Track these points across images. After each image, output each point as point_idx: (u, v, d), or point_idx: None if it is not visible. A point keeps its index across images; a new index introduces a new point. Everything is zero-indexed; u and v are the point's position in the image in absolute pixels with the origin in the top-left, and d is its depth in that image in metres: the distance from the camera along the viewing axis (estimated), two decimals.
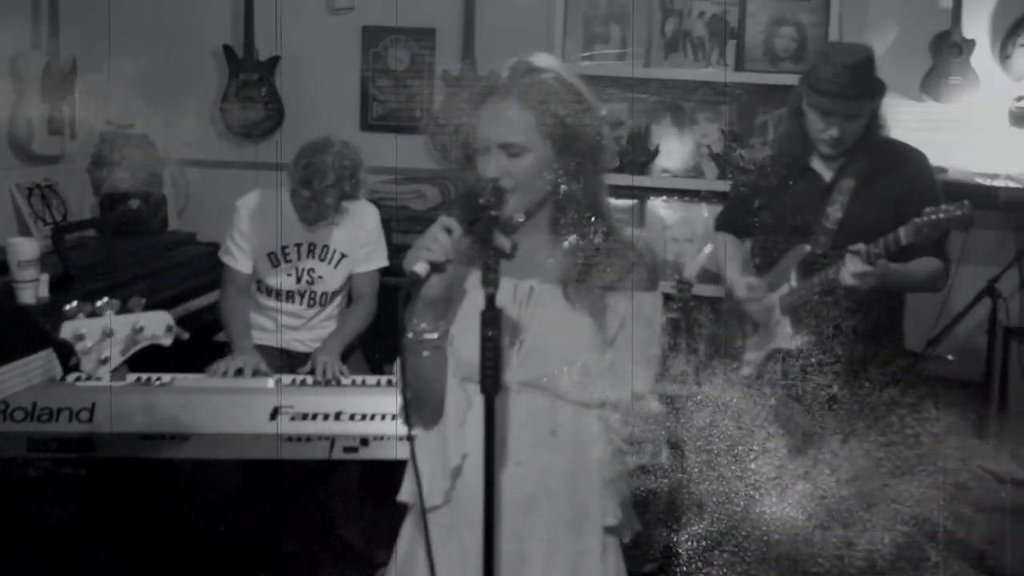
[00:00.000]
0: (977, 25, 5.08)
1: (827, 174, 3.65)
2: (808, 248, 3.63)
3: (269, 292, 4.15)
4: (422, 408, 2.22)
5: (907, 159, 3.65)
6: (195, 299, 4.90)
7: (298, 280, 4.13)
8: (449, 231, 2.07)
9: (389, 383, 3.66)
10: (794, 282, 3.67)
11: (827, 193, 3.62)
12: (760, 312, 3.75)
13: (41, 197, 5.13)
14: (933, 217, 3.28)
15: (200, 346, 4.05)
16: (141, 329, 2.56)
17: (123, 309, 2.55)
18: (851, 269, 3.34)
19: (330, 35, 5.58)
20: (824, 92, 3.51)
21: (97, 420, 3.31)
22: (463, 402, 2.22)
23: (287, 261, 4.10)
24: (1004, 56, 5.03)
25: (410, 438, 2.02)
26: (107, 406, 3.32)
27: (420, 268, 2.04)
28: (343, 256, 4.15)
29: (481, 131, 2.20)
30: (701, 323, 4.52)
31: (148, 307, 3.01)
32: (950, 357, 4.89)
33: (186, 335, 2.77)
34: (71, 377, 3.47)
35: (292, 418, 3.38)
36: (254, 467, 4.06)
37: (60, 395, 3.34)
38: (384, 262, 4.26)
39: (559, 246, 2.26)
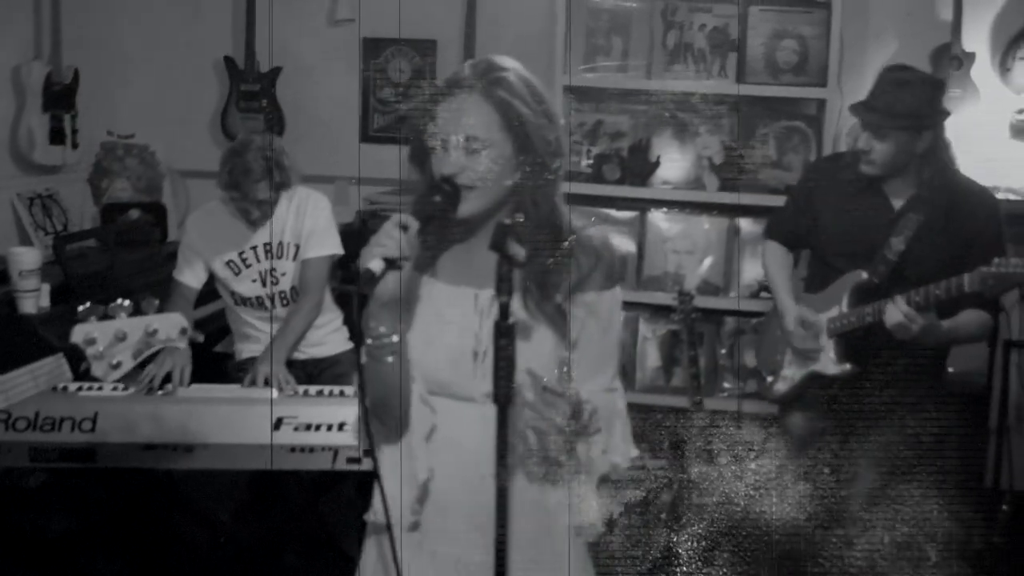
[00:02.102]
0: (977, 38, 5.09)
1: (897, 202, 3.56)
2: (865, 276, 3.55)
3: (244, 302, 4.15)
4: (385, 419, 2.17)
5: (980, 204, 3.55)
6: (194, 309, 4.89)
7: (264, 283, 4.12)
8: (404, 228, 2.03)
9: None
10: (845, 307, 3.59)
11: (894, 222, 3.53)
12: (803, 342, 3.70)
13: (42, 207, 5.13)
14: (1002, 270, 3.20)
15: (201, 357, 4.04)
16: (155, 332, 2.51)
17: (136, 311, 2.51)
18: (901, 308, 3.29)
19: (331, 46, 5.59)
20: (860, 104, 3.53)
21: (100, 430, 3.30)
22: (427, 416, 2.18)
23: (247, 266, 4.10)
24: (1004, 69, 5.04)
25: (370, 452, 1.99)
26: (109, 415, 3.31)
27: (375, 265, 2.00)
28: (297, 247, 4.13)
29: (441, 126, 2.14)
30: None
31: None
32: (951, 369, 4.88)
33: (201, 337, 2.74)
34: (73, 386, 3.47)
35: (295, 429, 3.38)
36: (256, 478, 4.05)
37: (62, 405, 3.33)
38: (334, 250, 4.16)
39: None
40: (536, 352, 2.14)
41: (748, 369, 3.95)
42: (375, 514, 2.27)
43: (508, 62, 2.21)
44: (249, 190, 3.92)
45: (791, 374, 3.78)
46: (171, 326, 2.55)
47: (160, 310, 2.57)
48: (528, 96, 2.17)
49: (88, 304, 2.46)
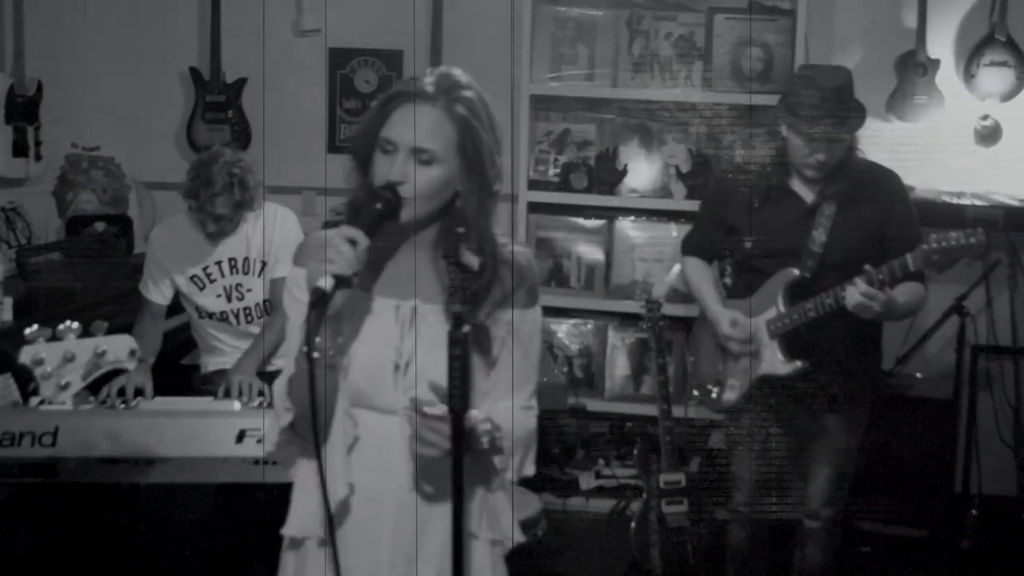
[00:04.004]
0: (941, 45, 5.13)
1: (808, 196, 3.60)
2: (796, 272, 3.57)
3: (209, 316, 4.12)
4: (305, 432, 2.12)
5: (883, 180, 3.64)
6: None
7: (228, 299, 4.09)
8: (353, 242, 1.99)
9: None
10: (782, 307, 3.60)
11: (810, 216, 3.58)
12: (741, 345, 3.70)
13: (5, 220, 5.09)
14: (944, 244, 3.25)
15: (166, 370, 4.01)
16: (103, 353, 2.50)
17: (85, 333, 2.50)
18: (861, 289, 3.31)
19: (297, 57, 5.57)
20: (810, 117, 3.47)
21: (60, 445, 3.27)
22: (350, 429, 2.14)
23: (211, 281, 4.07)
24: (968, 76, 5.07)
25: (268, 462, 1.94)
26: (70, 430, 3.27)
27: (324, 283, 1.94)
28: (264, 264, 4.10)
29: (392, 131, 2.11)
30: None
31: (114, 330, 2.96)
32: (919, 375, 4.91)
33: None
34: (34, 400, 3.43)
35: (259, 441, 3.34)
36: (220, 491, 4.02)
37: (23, 419, 3.29)
38: None
39: (441, 266, 2.17)
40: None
41: (693, 385, 3.95)
42: (291, 528, 2.24)
43: (468, 78, 2.19)
44: (206, 202, 3.88)
45: (737, 382, 3.76)
46: (120, 348, 2.54)
47: (112, 331, 2.55)
48: (485, 118, 2.15)
49: (36, 326, 2.44)
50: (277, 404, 2.16)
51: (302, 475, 2.22)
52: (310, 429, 2.05)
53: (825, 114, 3.46)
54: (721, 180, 3.93)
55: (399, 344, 2.15)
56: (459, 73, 2.19)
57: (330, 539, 2.02)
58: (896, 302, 3.39)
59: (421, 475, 2.13)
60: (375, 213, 2.05)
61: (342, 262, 1.97)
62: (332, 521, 2.03)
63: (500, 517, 2.29)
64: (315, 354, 1.95)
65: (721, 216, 3.80)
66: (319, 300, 1.94)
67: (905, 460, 4.75)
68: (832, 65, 3.78)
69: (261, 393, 3.79)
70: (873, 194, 3.59)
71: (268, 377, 4.13)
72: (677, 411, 4.55)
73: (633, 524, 4.43)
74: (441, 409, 1.96)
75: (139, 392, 3.73)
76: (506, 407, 2.18)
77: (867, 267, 3.34)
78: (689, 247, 3.98)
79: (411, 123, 2.09)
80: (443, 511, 2.04)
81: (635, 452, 4.57)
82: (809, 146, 3.50)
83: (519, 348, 2.20)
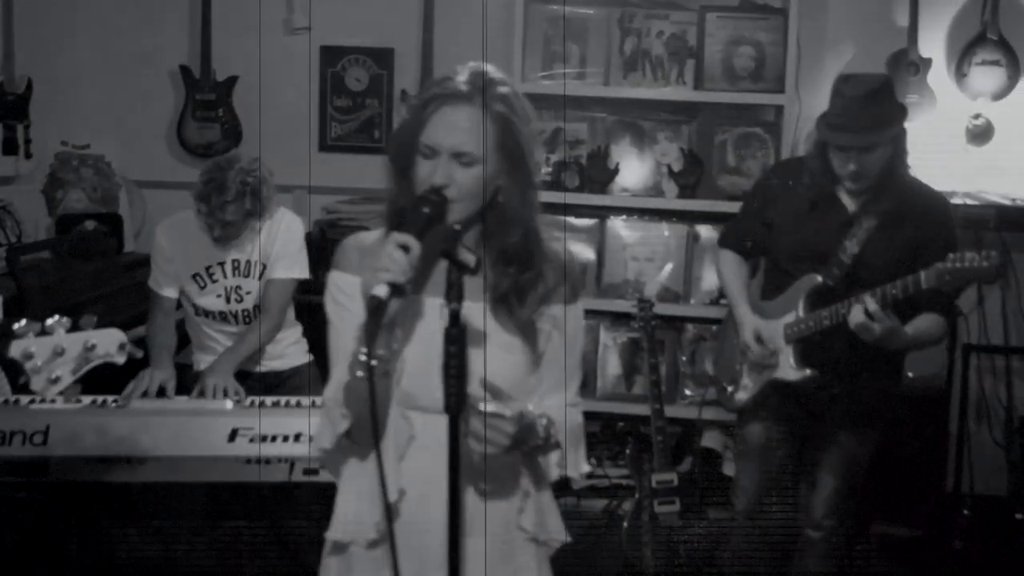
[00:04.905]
0: (933, 44, 5.13)
1: (851, 206, 3.56)
2: (819, 279, 3.53)
3: (206, 314, 4.11)
4: (359, 437, 2.13)
5: (931, 206, 3.57)
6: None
7: (227, 300, 4.08)
8: (406, 248, 1.97)
9: None
10: (801, 312, 3.57)
11: (848, 226, 3.53)
12: (760, 356, 3.68)
13: None
14: (958, 265, 3.21)
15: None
16: (93, 347, 2.49)
17: (74, 327, 2.49)
18: (869, 308, 3.28)
19: (288, 55, 5.54)
20: (835, 127, 3.46)
21: (51, 443, 3.25)
22: (404, 433, 2.15)
23: (213, 281, 4.06)
24: (960, 75, 5.07)
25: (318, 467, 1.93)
26: (61, 428, 3.26)
27: (381, 291, 1.92)
28: (264, 267, 4.09)
29: (432, 136, 2.10)
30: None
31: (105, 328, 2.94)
32: (910, 374, 4.91)
33: (140, 353, 2.70)
34: (24, 399, 3.41)
35: (251, 440, 3.33)
36: (213, 490, 4.00)
37: (13, 418, 3.28)
38: (300, 274, 4.14)
39: (489, 263, 2.17)
40: (506, 363, 2.14)
41: (708, 377, 3.93)
42: (335, 532, 2.25)
43: (501, 73, 2.19)
44: (217, 208, 3.85)
45: (750, 383, 3.76)
46: (110, 341, 2.53)
47: (99, 326, 2.54)
48: (522, 113, 2.16)
49: (24, 321, 2.44)
50: (332, 411, 2.13)
51: (348, 480, 2.22)
52: (366, 435, 2.02)
53: (849, 123, 3.42)
54: (768, 178, 3.88)
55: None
56: (492, 69, 2.18)
57: (391, 543, 2.00)
58: (901, 332, 3.35)
59: (471, 474, 2.11)
60: (423, 218, 2.03)
61: (396, 269, 1.95)
62: (392, 525, 2.01)
63: (547, 516, 2.29)
64: (374, 362, 1.93)
65: (760, 215, 3.76)
66: (376, 308, 1.92)
67: (897, 459, 4.75)
68: (864, 74, 3.67)
69: (237, 394, 3.78)
70: (917, 217, 3.51)
71: (260, 377, 4.13)
72: (669, 411, 4.54)
73: (625, 524, 4.42)
74: (495, 406, 1.97)
75: (162, 390, 3.73)
76: (554, 403, 2.18)
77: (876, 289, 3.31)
78: (726, 240, 3.96)
79: (450, 126, 2.09)
80: (491, 510, 2.09)
81: (627, 452, 4.57)
82: (838, 157, 3.46)
83: (564, 343, 2.21)
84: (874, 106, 3.45)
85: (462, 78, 2.13)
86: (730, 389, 3.88)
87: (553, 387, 2.22)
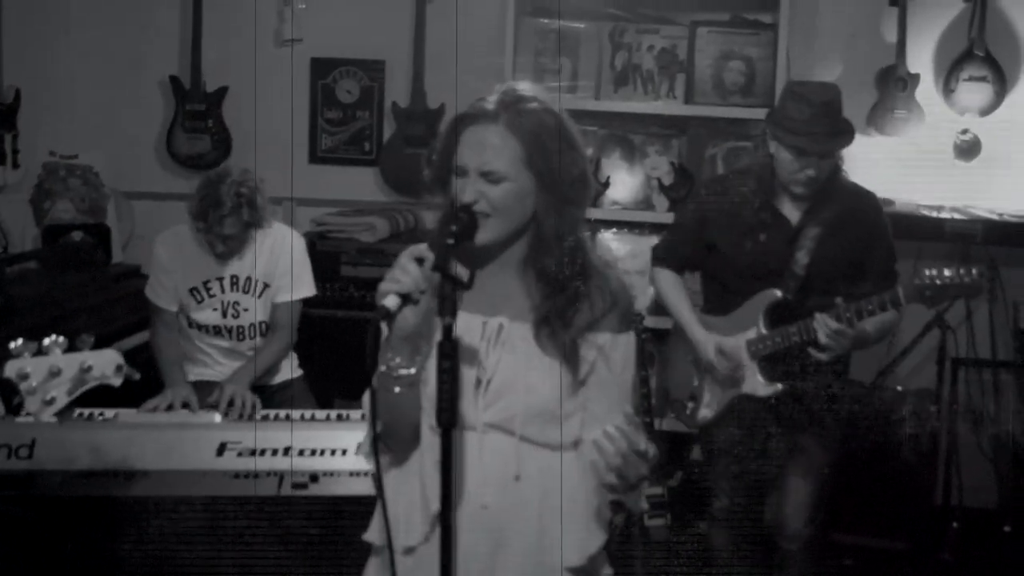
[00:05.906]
0: (921, 60, 5.14)
1: (794, 216, 3.59)
2: (779, 294, 3.56)
3: (200, 328, 4.10)
4: (392, 443, 2.15)
5: (865, 204, 3.64)
6: (140, 332, 4.81)
7: (224, 315, 4.08)
8: (420, 261, 2.00)
9: (339, 417, 3.61)
10: (763, 328, 3.59)
11: (794, 237, 3.56)
12: (726, 369, 3.68)
13: None
14: (938, 282, 3.25)
15: (147, 381, 3.97)
16: (89, 368, 2.47)
17: (71, 347, 2.47)
18: (832, 327, 3.33)
19: (279, 66, 5.53)
20: (802, 132, 3.47)
21: (37, 457, 3.23)
22: (436, 445, 2.11)
23: (211, 296, 4.05)
24: (948, 90, 5.09)
25: (377, 475, 1.96)
26: (48, 443, 3.23)
27: (390, 302, 1.96)
28: (266, 286, 4.09)
29: (461, 155, 2.13)
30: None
31: (96, 342, 2.92)
32: (899, 388, 4.92)
33: (137, 375, 2.69)
34: (19, 416, 3.39)
35: (240, 454, 3.31)
36: (201, 505, 3.98)
37: None
38: (307, 292, 4.19)
39: (531, 283, 2.19)
40: (544, 385, 2.14)
41: (667, 399, 3.93)
42: (372, 534, 2.27)
43: (533, 90, 2.19)
44: (215, 223, 3.85)
45: (713, 399, 3.75)
46: (107, 363, 2.52)
47: (95, 346, 2.53)
48: (555, 130, 2.15)
49: (21, 340, 2.42)
50: (369, 415, 2.14)
51: (389, 485, 2.20)
52: (394, 442, 2.10)
53: (817, 129, 3.45)
54: (700, 196, 3.89)
55: (483, 359, 2.15)
56: (524, 87, 2.20)
57: (389, 550, 2.07)
58: (866, 333, 3.42)
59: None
60: (450, 235, 2.04)
61: (408, 281, 1.98)
62: (390, 530, 2.07)
63: (588, 546, 2.27)
64: (381, 368, 2.00)
65: (698, 232, 3.76)
66: (384, 318, 1.96)
67: (886, 472, 4.76)
68: (821, 82, 3.80)
69: (254, 407, 3.80)
70: (856, 219, 3.59)
71: (269, 391, 4.12)
72: (659, 424, 4.53)
73: (615, 538, 4.40)
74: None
75: (186, 406, 3.72)
76: (596, 436, 2.15)
77: (837, 300, 3.35)
78: (662, 259, 3.93)
79: (476, 146, 2.12)
80: (521, 528, 2.11)
81: None
82: (798, 161, 3.48)
83: (609, 373, 2.19)
84: (838, 114, 3.53)
85: (492, 97, 2.16)
86: (691, 406, 3.86)
87: (595, 419, 2.17)
